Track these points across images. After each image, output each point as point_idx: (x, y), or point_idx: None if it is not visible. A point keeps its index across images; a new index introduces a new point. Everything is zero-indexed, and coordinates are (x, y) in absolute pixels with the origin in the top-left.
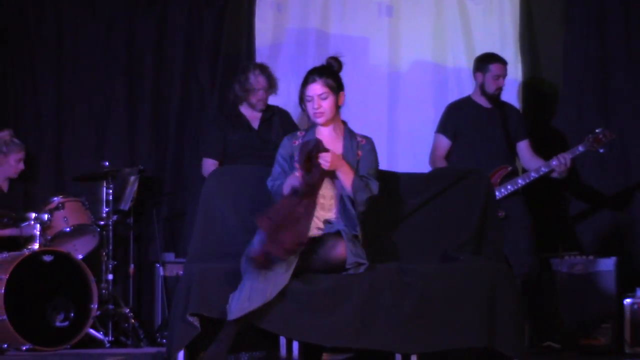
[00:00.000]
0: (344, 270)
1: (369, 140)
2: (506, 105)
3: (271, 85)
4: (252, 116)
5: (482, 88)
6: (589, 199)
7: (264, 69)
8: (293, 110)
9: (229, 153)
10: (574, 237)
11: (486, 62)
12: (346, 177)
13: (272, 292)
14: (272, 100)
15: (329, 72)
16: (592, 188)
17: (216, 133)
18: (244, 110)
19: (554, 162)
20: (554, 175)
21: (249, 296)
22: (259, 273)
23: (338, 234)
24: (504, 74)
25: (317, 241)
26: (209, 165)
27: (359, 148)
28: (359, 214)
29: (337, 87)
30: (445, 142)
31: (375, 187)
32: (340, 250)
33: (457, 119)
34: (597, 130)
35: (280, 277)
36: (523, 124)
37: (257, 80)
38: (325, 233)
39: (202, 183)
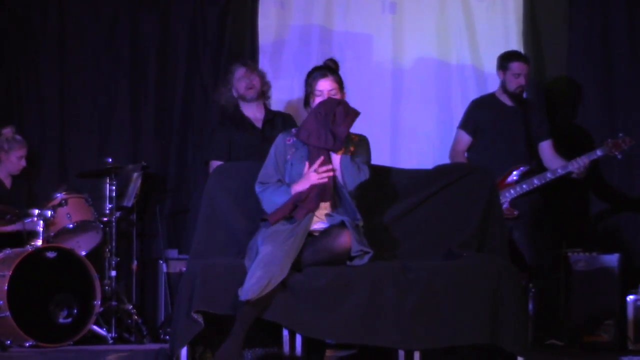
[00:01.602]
0: (350, 259)
1: (362, 138)
2: (529, 104)
3: (250, 70)
4: (256, 117)
5: (503, 86)
6: (595, 197)
7: (240, 60)
8: (296, 103)
9: (234, 154)
10: (577, 234)
11: (507, 60)
12: (336, 155)
13: (284, 264)
14: (277, 98)
15: (335, 71)
16: (596, 185)
17: (222, 135)
18: (246, 111)
19: (571, 166)
20: (573, 175)
21: (264, 276)
22: (265, 258)
23: (342, 224)
24: (524, 73)
25: (321, 233)
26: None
27: (351, 144)
28: (353, 198)
29: (342, 87)
30: (465, 138)
31: (366, 170)
32: (345, 239)
33: (478, 115)
34: (618, 135)
35: (288, 249)
36: (546, 124)
37: (233, 74)
38: (328, 225)
39: (205, 180)
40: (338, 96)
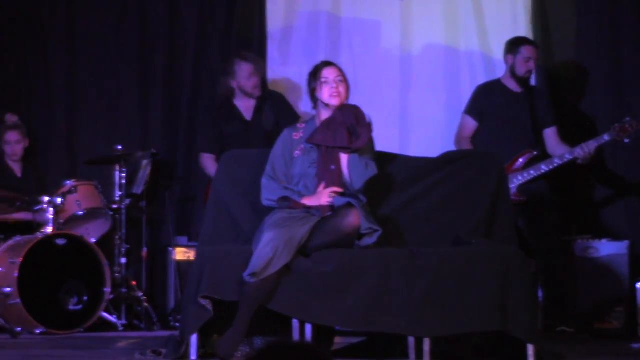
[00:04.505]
0: (359, 239)
1: None
2: (535, 90)
3: (258, 68)
4: (246, 107)
5: (512, 71)
6: (602, 183)
7: (244, 57)
8: (304, 89)
9: (224, 146)
10: (587, 221)
11: (517, 44)
12: (344, 154)
13: (290, 243)
14: (285, 85)
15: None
16: (605, 172)
17: (212, 128)
18: (238, 102)
19: (578, 151)
20: (578, 161)
21: (269, 253)
22: (271, 238)
23: (349, 204)
24: (534, 57)
25: (329, 215)
26: (206, 159)
27: None
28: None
29: (345, 77)
30: (471, 124)
31: (373, 166)
32: (354, 217)
33: (484, 101)
34: (625, 120)
35: (297, 232)
36: (551, 111)
37: (241, 69)
38: (336, 206)
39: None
40: (344, 84)
